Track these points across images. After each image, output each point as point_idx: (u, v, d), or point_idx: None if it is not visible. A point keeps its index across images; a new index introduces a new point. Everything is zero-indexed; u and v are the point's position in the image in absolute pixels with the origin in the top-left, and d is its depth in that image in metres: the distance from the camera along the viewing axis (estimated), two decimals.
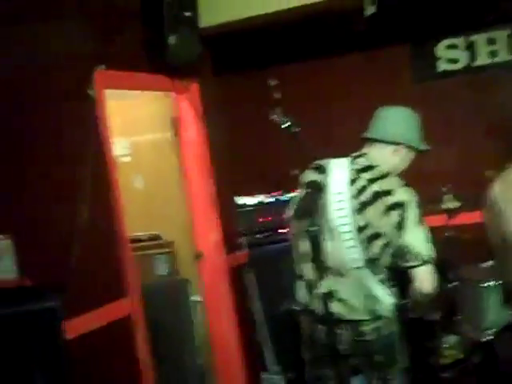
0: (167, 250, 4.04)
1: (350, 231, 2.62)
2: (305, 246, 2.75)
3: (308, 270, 2.73)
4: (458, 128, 4.36)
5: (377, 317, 2.67)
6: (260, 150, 4.76)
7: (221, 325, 4.06)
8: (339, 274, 2.67)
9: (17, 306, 1.94)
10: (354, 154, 2.79)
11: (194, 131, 4.11)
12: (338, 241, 2.65)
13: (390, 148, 2.75)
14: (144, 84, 3.72)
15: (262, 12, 3.90)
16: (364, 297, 2.66)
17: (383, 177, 2.68)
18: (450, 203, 3.90)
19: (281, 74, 4.66)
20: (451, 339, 3.86)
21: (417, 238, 2.60)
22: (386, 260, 2.64)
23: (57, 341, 1.99)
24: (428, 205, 2.80)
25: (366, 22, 3.87)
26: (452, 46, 4.39)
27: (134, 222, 3.77)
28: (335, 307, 2.63)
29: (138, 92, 3.93)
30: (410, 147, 2.76)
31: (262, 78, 4.70)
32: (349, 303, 2.66)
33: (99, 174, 3.20)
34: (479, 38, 4.32)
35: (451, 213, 3.90)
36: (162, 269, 4.03)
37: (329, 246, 2.66)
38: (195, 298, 3.72)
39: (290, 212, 2.87)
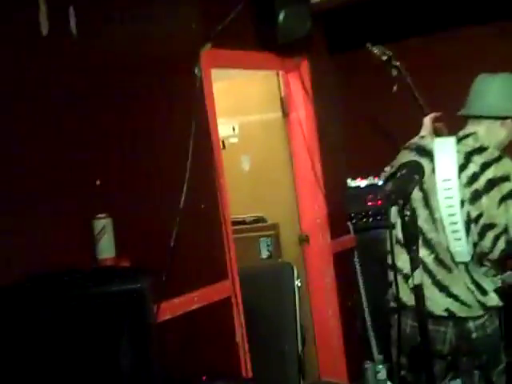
0: (271, 232, 3.98)
1: (458, 222, 2.43)
2: (399, 233, 2.58)
3: (403, 261, 2.55)
4: None
5: (485, 313, 2.50)
6: (374, 130, 4.55)
7: (323, 311, 3.97)
8: (446, 268, 2.48)
9: (105, 286, 1.95)
10: (461, 134, 2.57)
11: (303, 111, 4.01)
12: (443, 232, 2.46)
13: (497, 122, 2.52)
14: (252, 63, 3.66)
15: None
16: (473, 291, 2.49)
17: (496, 161, 2.46)
18: None
19: (400, 49, 4.40)
20: None
21: None
22: (496, 253, 2.44)
23: (144, 323, 1.98)
24: None
25: None
26: None
27: (240, 204, 3.76)
28: (444, 304, 2.47)
29: (247, 71, 3.88)
30: None
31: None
32: (460, 299, 2.49)
33: (204, 155, 3.19)
34: None
35: None
36: (265, 251, 3.99)
37: (433, 238, 2.47)
38: (298, 282, 3.64)
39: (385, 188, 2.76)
